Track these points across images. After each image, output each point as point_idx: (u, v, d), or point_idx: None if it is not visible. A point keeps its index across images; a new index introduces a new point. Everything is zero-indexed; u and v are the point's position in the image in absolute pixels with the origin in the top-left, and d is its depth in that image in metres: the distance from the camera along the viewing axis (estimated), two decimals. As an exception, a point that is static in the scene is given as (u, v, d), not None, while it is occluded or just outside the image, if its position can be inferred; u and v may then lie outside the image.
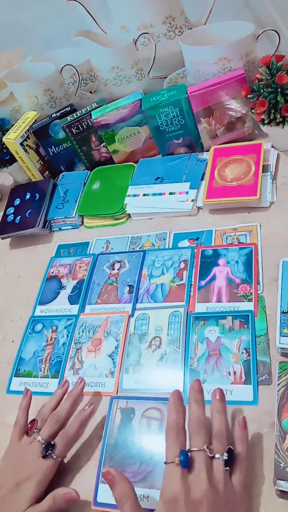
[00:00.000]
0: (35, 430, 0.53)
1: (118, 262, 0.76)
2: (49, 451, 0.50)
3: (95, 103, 0.89)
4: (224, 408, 0.47)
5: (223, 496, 0.41)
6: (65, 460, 0.54)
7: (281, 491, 0.45)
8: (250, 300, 0.62)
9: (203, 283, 0.66)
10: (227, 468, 0.43)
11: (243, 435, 0.47)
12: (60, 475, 0.52)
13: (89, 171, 0.96)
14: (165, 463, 0.44)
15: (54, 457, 0.50)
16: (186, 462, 0.42)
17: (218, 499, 0.40)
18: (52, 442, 0.51)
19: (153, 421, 0.54)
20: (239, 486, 0.43)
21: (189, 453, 0.43)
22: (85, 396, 0.61)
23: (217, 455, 0.43)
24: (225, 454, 0.43)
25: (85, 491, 0.50)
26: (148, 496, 0.49)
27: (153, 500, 0.48)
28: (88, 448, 0.55)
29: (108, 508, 0.49)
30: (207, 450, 0.43)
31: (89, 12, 0.94)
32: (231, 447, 0.44)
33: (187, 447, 0.44)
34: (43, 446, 0.51)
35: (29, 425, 0.54)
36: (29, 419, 0.57)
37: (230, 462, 0.43)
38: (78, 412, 0.55)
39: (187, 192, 0.79)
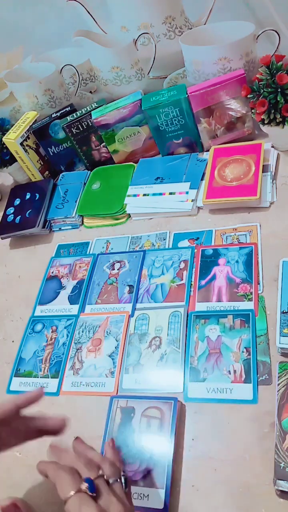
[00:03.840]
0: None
1: (118, 262, 0.76)
2: None
3: (95, 103, 0.89)
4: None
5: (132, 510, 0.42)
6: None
7: (281, 491, 0.45)
8: (250, 300, 0.62)
9: (203, 282, 0.66)
10: (126, 489, 0.43)
11: (115, 455, 0.48)
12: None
13: (89, 171, 0.96)
14: (67, 499, 0.40)
15: None
16: (93, 487, 0.41)
17: None
18: None
19: (153, 420, 0.54)
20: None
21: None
22: (85, 396, 0.61)
23: (112, 479, 0.43)
24: (122, 477, 0.44)
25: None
26: (148, 495, 0.49)
27: (153, 499, 0.48)
28: (88, 447, 0.55)
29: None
30: (104, 475, 0.43)
31: (89, 12, 0.94)
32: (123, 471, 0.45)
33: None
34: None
35: None
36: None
37: (126, 483, 0.44)
38: None
39: (187, 192, 0.79)
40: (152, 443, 0.52)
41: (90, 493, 0.40)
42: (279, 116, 0.71)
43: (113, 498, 0.41)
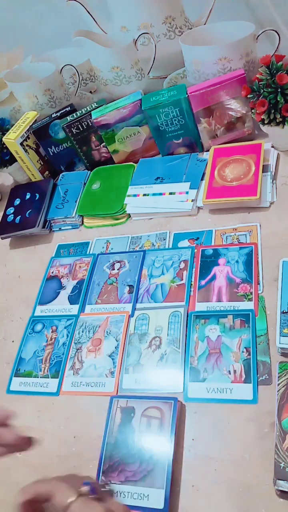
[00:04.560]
0: None
1: (118, 262, 0.76)
2: None
3: (95, 103, 0.89)
4: None
5: None
6: (65, 460, 0.54)
7: (281, 491, 0.45)
8: (250, 300, 0.62)
9: (203, 282, 0.66)
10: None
11: None
12: (60, 474, 0.52)
13: (89, 171, 0.96)
14: (67, 506, 0.38)
15: None
16: (94, 489, 0.40)
17: None
18: None
19: (153, 420, 0.54)
20: None
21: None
22: (85, 396, 0.61)
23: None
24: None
25: (85, 490, 0.50)
26: (148, 495, 0.49)
27: (153, 499, 0.48)
28: (88, 447, 0.55)
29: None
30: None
31: (89, 12, 0.95)
32: None
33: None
34: None
35: None
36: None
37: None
38: None
39: (187, 192, 0.79)
40: (152, 443, 0.52)
41: (92, 496, 0.39)
42: (279, 116, 0.71)
43: (114, 500, 0.40)
